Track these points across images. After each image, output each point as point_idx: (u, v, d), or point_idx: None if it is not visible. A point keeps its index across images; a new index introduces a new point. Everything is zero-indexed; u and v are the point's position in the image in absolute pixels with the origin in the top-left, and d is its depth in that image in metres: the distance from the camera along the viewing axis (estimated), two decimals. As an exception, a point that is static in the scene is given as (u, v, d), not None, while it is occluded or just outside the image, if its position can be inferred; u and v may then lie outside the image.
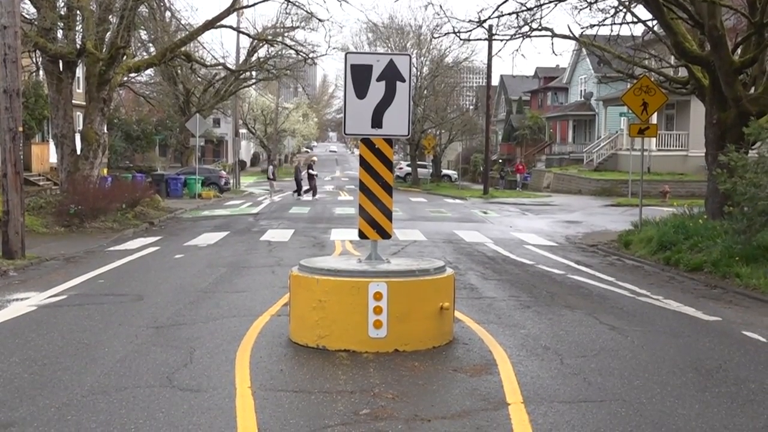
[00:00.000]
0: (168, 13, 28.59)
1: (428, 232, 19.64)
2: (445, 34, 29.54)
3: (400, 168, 57.98)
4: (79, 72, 29.90)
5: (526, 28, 19.14)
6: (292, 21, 35.96)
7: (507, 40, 19.57)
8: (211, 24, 26.21)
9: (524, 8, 18.83)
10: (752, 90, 16.68)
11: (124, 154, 45.85)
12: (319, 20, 29.58)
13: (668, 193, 33.36)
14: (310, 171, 36.84)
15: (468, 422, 5.31)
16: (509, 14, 19.11)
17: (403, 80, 7.71)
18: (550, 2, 18.50)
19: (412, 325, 7.22)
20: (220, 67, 39.13)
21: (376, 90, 7.69)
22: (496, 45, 36.75)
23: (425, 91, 52.13)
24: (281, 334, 7.83)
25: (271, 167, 41.85)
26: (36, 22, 21.18)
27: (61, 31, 22.19)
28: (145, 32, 29.27)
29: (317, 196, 36.44)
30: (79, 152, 22.34)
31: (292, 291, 7.66)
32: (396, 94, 7.70)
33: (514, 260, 14.62)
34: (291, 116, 78.81)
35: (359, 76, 7.69)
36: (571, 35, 20.01)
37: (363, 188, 7.86)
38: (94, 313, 9.02)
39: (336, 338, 7.17)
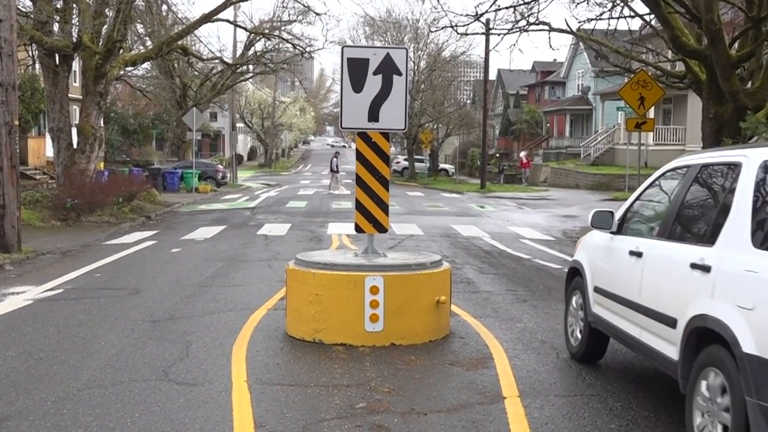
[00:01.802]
0: (164, 7, 28.61)
1: (425, 227, 19.63)
2: (442, 28, 29.45)
3: (398, 162, 58.00)
4: (76, 65, 29.87)
5: (523, 22, 19.13)
6: (289, 15, 35.96)
7: (504, 35, 19.59)
8: (207, 17, 26.16)
9: (521, 2, 18.83)
10: (749, 84, 16.68)
11: (121, 148, 45.76)
12: (317, 14, 29.72)
13: (665, 187, 33.35)
14: None
15: (464, 416, 5.32)
16: (506, 8, 19.14)
17: (400, 74, 7.70)
18: (548, -4, 18.53)
19: (409, 319, 7.22)
20: (216, 60, 39.10)
21: (373, 84, 7.67)
22: (493, 39, 36.58)
23: (422, 85, 52.05)
24: (278, 328, 7.83)
25: (335, 159, 39.11)
26: (32, 15, 21.11)
27: (57, 24, 22.11)
28: (141, 26, 29.21)
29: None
30: (75, 146, 22.28)
31: (288, 285, 7.66)
32: (393, 87, 7.69)
33: (510, 254, 14.63)
34: (288, 110, 78.74)
35: (356, 70, 7.67)
36: (569, 29, 19.98)
37: (360, 182, 7.86)
38: (90, 307, 9.01)
39: (332, 332, 7.18)
